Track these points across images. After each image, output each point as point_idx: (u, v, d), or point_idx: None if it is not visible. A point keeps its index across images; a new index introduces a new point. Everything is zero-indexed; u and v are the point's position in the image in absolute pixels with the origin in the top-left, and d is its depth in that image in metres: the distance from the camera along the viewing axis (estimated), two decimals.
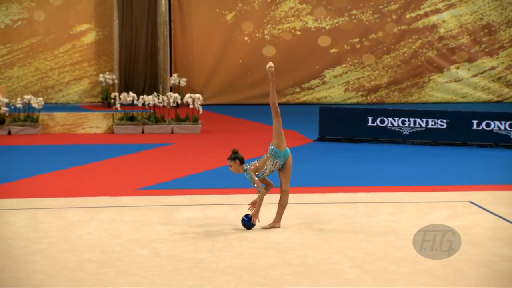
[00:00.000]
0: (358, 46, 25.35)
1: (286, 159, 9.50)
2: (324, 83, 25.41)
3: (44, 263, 8.07)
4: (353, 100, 25.41)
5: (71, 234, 9.27)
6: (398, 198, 11.51)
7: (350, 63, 25.40)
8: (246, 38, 25.03)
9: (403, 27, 25.35)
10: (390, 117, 17.09)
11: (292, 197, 11.48)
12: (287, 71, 24.82)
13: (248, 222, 9.51)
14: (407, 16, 25.34)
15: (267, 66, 9.60)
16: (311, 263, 8.15)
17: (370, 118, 17.21)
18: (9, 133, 18.44)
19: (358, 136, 17.29)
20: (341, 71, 25.42)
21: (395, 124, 17.06)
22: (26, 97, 18.63)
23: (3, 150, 16.40)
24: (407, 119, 17.00)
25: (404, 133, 17.04)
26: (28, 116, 18.64)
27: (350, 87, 25.48)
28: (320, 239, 9.11)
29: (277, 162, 9.49)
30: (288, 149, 9.54)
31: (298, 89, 25.15)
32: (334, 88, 25.44)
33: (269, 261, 8.20)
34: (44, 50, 24.04)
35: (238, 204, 10.90)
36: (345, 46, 25.32)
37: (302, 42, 25.17)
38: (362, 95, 25.52)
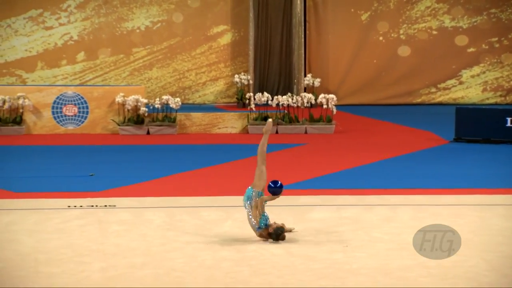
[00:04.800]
0: (497, 45, 24.79)
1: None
2: (461, 83, 24.96)
3: (181, 261, 8.25)
4: (491, 101, 24.85)
5: (207, 232, 9.44)
6: None
7: (488, 63, 24.87)
8: (381, 38, 24.85)
9: None
10: None
11: (426, 199, 11.34)
12: (423, 71, 24.48)
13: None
14: None
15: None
16: (447, 265, 8.03)
17: (509, 119, 16.81)
18: (148, 132, 18.90)
19: (496, 137, 16.90)
20: (479, 71, 24.91)
21: None
22: (164, 97, 19.04)
23: (142, 149, 16.82)
24: None
25: None
26: (166, 116, 19.06)
27: (488, 87, 24.95)
28: None
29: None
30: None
31: (433, 89, 24.76)
32: (472, 88, 24.95)
33: (404, 263, 8.13)
34: (182, 51, 24.52)
35: (372, 205, 10.85)
36: (483, 45, 24.80)
37: (438, 42, 24.80)
38: (500, 95, 24.94)
